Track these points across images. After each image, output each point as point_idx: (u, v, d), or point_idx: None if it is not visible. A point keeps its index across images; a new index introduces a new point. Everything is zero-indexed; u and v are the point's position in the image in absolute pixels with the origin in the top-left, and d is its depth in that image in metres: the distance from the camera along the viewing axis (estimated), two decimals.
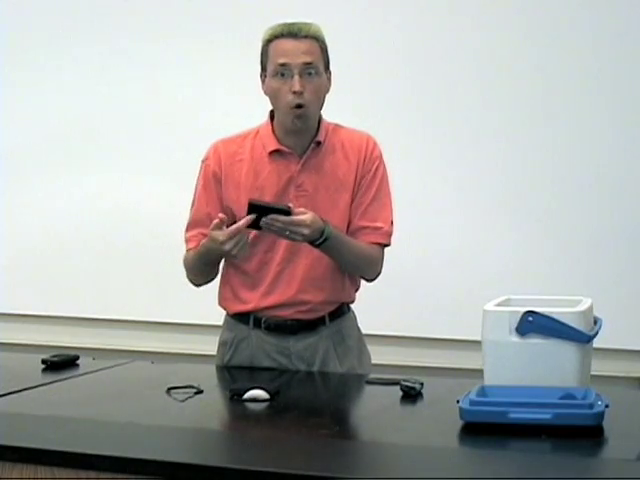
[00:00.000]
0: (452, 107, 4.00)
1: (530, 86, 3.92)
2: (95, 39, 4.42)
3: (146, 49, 4.34)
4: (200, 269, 2.82)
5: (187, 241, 2.84)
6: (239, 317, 2.86)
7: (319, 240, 2.64)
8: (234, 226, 2.59)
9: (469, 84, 3.98)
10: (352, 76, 3.84)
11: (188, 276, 2.88)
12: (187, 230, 2.85)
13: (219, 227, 2.60)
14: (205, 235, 2.73)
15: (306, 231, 2.59)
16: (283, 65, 2.68)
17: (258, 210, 2.55)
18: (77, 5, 4.46)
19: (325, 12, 3.82)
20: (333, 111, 2.83)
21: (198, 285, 2.90)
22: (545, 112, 3.92)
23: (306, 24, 2.72)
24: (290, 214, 2.56)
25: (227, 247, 2.59)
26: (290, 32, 2.69)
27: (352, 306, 2.91)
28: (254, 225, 2.57)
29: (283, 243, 2.74)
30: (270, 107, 2.79)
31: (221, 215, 2.62)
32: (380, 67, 4.06)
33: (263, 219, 2.55)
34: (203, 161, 2.83)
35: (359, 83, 3.98)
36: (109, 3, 4.42)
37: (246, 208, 2.57)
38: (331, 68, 2.77)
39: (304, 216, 2.59)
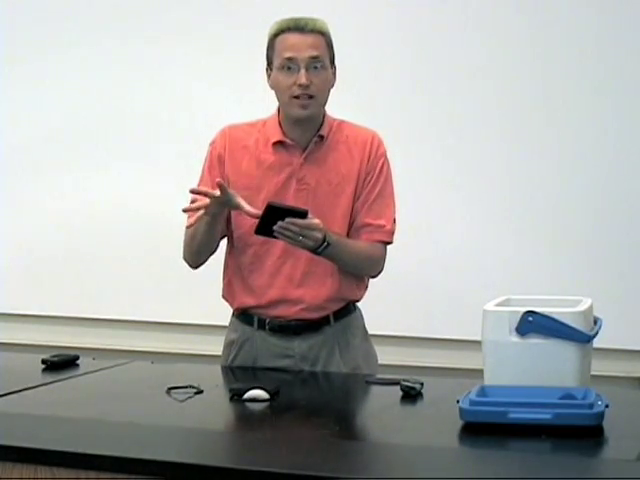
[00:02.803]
0: (456, 108, 3.99)
1: (534, 89, 3.91)
2: (95, 39, 4.41)
3: (147, 49, 4.34)
4: (201, 238, 2.74)
5: (188, 218, 2.79)
6: (243, 317, 2.86)
7: (321, 247, 2.63)
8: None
9: (474, 85, 3.97)
10: (358, 73, 3.86)
11: (185, 255, 2.83)
12: None
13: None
14: None
15: (319, 235, 2.59)
16: (290, 59, 2.70)
17: (275, 213, 2.53)
18: (77, 4, 4.46)
19: (331, 8, 3.82)
20: (339, 107, 2.84)
21: (194, 266, 2.85)
22: (547, 114, 3.91)
23: (312, 19, 2.74)
24: (306, 217, 2.56)
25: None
26: (297, 26, 2.72)
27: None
28: (265, 231, 2.55)
29: None
30: (275, 105, 2.80)
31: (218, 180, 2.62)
32: (385, 66, 4.05)
33: (279, 222, 2.52)
34: (211, 144, 2.85)
35: (364, 81, 3.98)
36: (109, 2, 4.42)
37: (262, 209, 2.54)
38: (337, 64, 2.79)
39: (316, 220, 2.59)
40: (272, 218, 2.53)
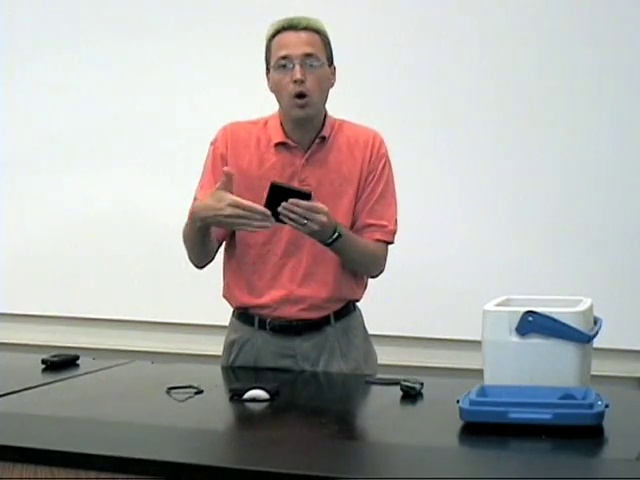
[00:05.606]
0: (457, 108, 3.99)
1: (534, 88, 3.91)
2: (95, 39, 4.42)
3: (147, 49, 4.34)
4: (191, 237, 2.74)
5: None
6: (244, 317, 2.86)
7: (331, 238, 2.63)
8: (248, 202, 2.54)
9: (475, 85, 3.97)
10: (358, 74, 3.85)
11: (186, 249, 2.81)
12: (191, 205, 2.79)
13: (225, 187, 2.56)
14: None
15: (324, 218, 2.56)
16: (284, 57, 2.70)
17: (279, 193, 2.52)
18: (77, 5, 4.46)
19: (332, 8, 3.82)
20: (339, 107, 2.84)
21: (198, 267, 2.84)
22: (547, 114, 3.91)
23: (306, 18, 2.74)
24: (310, 199, 2.54)
25: (227, 212, 2.55)
26: (291, 25, 2.72)
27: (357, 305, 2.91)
28: (272, 215, 2.53)
29: (284, 236, 2.75)
30: (277, 106, 2.80)
31: (227, 169, 2.60)
32: (386, 66, 4.05)
33: (283, 204, 2.51)
34: (212, 143, 2.84)
35: (365, 81, 3.98)
36: (109, 3, 4.42)
37: (267, 191, 2.53)
38: (339, 65, 2.78)
39: (321, 204, 2.58)
40: (276, 199, 2.52)
